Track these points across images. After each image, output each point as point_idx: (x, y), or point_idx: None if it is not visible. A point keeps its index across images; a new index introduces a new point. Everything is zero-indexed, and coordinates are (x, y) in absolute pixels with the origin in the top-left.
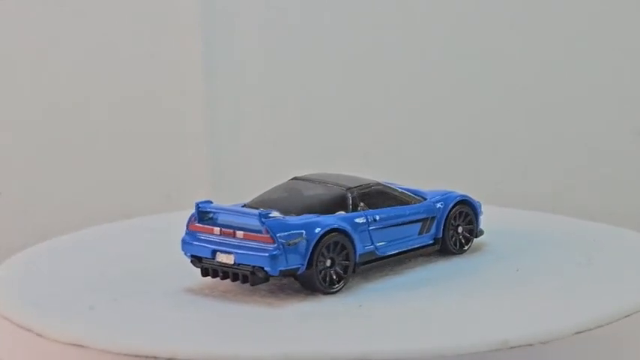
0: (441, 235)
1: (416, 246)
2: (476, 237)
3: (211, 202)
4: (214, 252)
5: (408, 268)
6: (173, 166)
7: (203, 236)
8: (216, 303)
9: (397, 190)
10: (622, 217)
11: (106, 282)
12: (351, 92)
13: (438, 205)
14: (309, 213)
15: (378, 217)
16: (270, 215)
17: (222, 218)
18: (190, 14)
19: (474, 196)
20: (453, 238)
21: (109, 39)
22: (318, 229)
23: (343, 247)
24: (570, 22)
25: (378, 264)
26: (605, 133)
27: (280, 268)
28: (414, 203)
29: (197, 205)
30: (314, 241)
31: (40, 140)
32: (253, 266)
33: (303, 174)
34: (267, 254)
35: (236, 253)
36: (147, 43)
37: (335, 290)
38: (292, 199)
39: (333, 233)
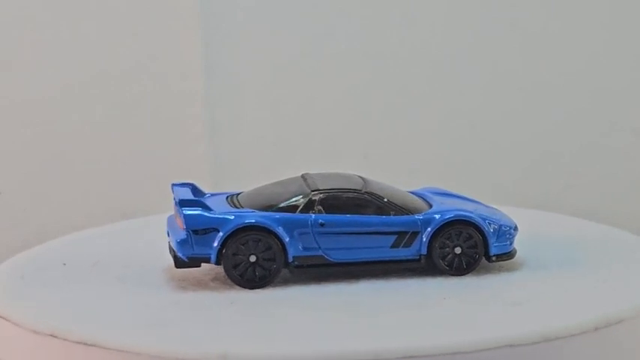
0: (425, 252)
1: (388, 259)
2: (490, 261)
3: (191, 185)
4: (168, 233)
5: (372, 278)
6: (173, 166)
7: (170, 219)
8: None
9: (382, 200)
10: (622, 218)
11: (106, 281)
12: (351, 92)
13: (426, 220)
14: (268, 209)
15: (325, 222)
16: (194, 204)
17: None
18: (190, 14)
19: (470, 194)
20: (447, 258)
21: (109, 39)
22: (231, 224)
23: (269, 246)
24: (571, 24)
25: (348, 270)
26: (605, 134)
27: (188, 255)
28: (396, 215)
29: (172, 186)
30: (225, 234)
31: (40, 140)
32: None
33: (315, 172)
34: (178, 240)
35: (171, 236)
36: (147, 43)
37: (252, 286)
38: (269, 194)
39: (254, 230)
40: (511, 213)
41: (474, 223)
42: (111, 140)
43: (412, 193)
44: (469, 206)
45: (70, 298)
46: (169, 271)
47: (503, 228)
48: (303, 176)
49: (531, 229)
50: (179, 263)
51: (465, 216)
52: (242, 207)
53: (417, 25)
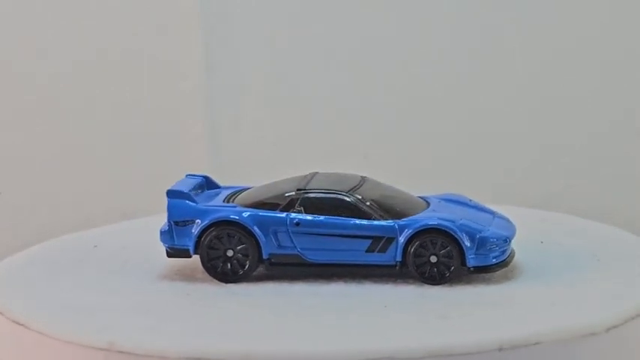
0: (400, 259)
1: (363, 262)
2: (470, 272)
3: (204, 177)
4: None
5: (347, 281)
6: (173, 166)
7: None
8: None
9: (364, 203)
10: (622, 218)
11: (105, 282)
12: (351, 92)
13: (402, 226)
14: (252, 205)
15: (300, 221)
16: (179, 195)
17: None
18: (190, 14)
19: (470, 194)
20: (423, 267)
21: (108, 39)
22: (207, 218)
23: (244, 241)
24: (571, 22)
25: (330, 271)
26: (605, 133)
27: (169, 245)
28: (375, 219)
29: (185, 176)
30: (201, 228)
31: (40, 140)
32: None
33: (328, 171)
34: (162, 230)
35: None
36: (147, 43)
37: (226, 280)
38: (263, 190)
39: (231, 225)
40: (511, 213)
41: (449, 233)
42: (111, 140)
43: (422, 198)
44: (463, 214)
45: (53, 292)
46: (169, 263)
47: (490, 240)
48: (307, 175)
49: (531, 229)
50: (168, 253)
51: (440, 224)
52: (234, 202)
53: (418, 25)
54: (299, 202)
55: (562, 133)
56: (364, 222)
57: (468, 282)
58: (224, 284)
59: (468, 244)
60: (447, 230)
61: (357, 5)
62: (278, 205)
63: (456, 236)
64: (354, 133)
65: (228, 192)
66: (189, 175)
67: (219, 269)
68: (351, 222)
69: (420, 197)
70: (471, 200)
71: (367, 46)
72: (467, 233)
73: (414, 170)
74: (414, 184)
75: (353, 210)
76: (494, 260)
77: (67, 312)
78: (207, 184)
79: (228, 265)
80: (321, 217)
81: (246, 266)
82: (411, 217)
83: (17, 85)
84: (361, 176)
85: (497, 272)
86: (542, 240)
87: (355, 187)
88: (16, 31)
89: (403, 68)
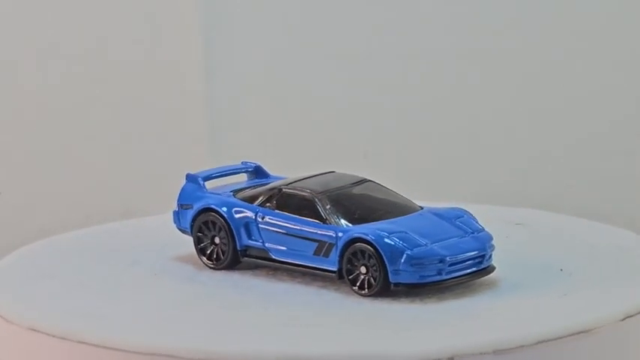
0: (338, 266)
1: (310, 265)
2: (396, 287)
3: (256, 165)
4: None
5: (301, 282)
6: (173, 166)
7: None
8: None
9: (325, 206)
10: (622, 218)
11: (104, 281)
12: (352, 92)
13: (340, 234)
14: (247, 199)
15: (266, 217)
16: (194, 179)
17: None
18: (190, 14)
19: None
20: (356, 277)
21: (109, 39)
22: (198, 203)
23: (224, 230)
24: (571, 21)
25: (288, 268)
26: (605, 133)
27: (177, 226)
28: (327, 224)
29: (241, 163)
30: (193, 213)
31: (40, 140)
32: None
33: (344, 172)
34: (173, 211)
35: None
36: (147, 43)
37: (210, 266)
38: (267, 185)
39: (211, 212)
40: (509, 213)
41: (374, 244)
42: (111, 140)
43: (423, 207)
44: (420, 228)
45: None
46: (173, 257)
47: (419, 257)
48: (316, 173)
49: (529, 229)
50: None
51: (363, 236)
52: (235, 193)
53: (417, 23)
54: (276, 198)
55: (562, 133)
56: (314, 224)
57: (404, 296)
58: (209, 270)
59: (389, 258)
60: (375, 243)
61: (357, 5)
62: (256, 199)
63: (380, 249)
64: (354, 133)
65: (258, 182)
66: (244, 162)
67: (206, 254)
68: (303, 223)
69: (421, 207)
70: (462, 216)
71: (367, 46)
72: (392, 247)
73: (414, 170)
74: (414, 184)
75: (313, 211)
76: (421, 279)
77: (65, 311)
78: (257, 173)
79: (214, 251)
80: (283, 215)
81: (225, 255)
82: (356, 226)
83: (17, 85)
84: (362, 179)
85: (466, 287)
86: (561, 267)
87: (338, 188)
88: (15, 30)
89: (403, 68)
